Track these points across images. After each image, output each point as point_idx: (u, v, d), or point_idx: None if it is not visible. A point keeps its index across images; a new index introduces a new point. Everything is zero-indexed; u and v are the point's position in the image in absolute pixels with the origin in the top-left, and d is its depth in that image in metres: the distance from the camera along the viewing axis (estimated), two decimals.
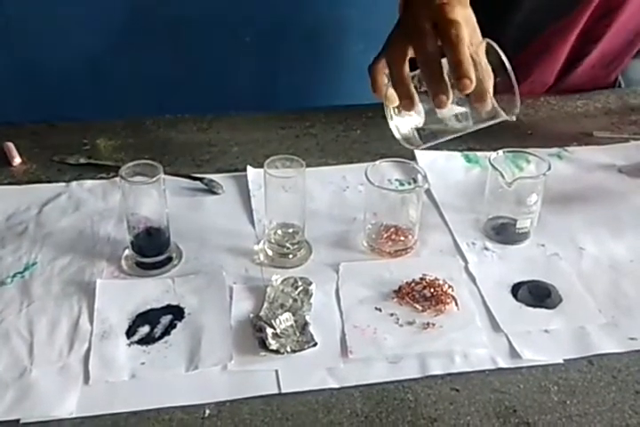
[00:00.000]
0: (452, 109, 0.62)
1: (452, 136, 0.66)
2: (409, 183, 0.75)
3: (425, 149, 0.67)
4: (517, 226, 0.72)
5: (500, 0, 0.92)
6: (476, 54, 0.61)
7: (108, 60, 1.55)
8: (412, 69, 0.64)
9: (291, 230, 0.71)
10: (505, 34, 0.93)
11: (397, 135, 0.66)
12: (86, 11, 1.49)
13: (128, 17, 1.52)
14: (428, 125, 0.65)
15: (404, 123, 0.65)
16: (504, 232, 0.74)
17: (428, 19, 0.61)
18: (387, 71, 0.65)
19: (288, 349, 0.60)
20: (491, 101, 0.61)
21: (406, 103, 0.61)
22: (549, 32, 0.95)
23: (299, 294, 0.66)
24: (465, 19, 0.62)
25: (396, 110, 0.65)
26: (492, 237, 0.74)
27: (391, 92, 0.63)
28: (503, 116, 0.63)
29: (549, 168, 0.71)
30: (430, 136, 0.66)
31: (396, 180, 0.78)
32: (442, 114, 0.63)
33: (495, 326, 0.64)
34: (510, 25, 0.94)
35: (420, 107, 0.63)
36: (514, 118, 0.64)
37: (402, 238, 0.72)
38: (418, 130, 0.65)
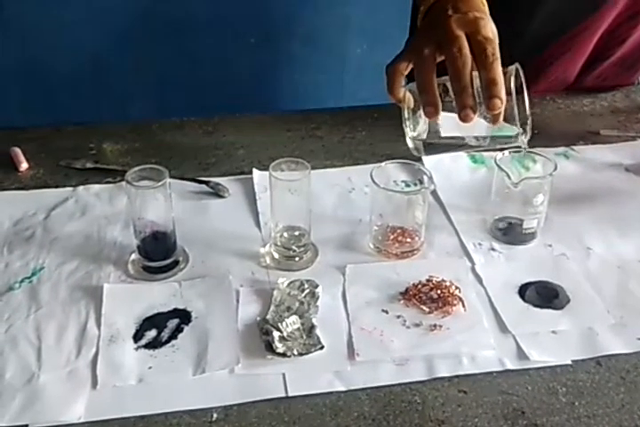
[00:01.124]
0: (472, 126, 0.61)
1: (459, 151, 0.66)
2: (415, 184, 0.75)
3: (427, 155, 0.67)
4: (524, 226, 0.72)
5: None
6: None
7: (112, 61, 1.55)
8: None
9: (297, 233, 0.71)
10: (528, 32, 0.93)
11: (410, 141, 0.65)
12: (91, 14, 1.50)
13: (133, 19, 1.52)
14: (442, 137, 0.64)
15: (418, 128, 0.65)
16: (511, 233, 0.74)
17: (463, 31, 0.61)
18: (405, 73, 0.64)
19: (295, 352, 0.60)
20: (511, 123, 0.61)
21: (431, 110, 0.60)
22: (573, 32, 0.94)
23: (305, 296, 0.66)
24: (495, 35, 0.62)
25: (411, 113, 0.64)
26: (498, 237, 0.74)
27: (409, 95, 0.63)
28: (519, 143, 0.63)
29: (556, 168, 0.71)
30: (439, 148, 0.65)
31: (402, 181, 0.78)
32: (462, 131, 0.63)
33: (502, 328, 0.64)
34: (534, 22, 0.93)
35: (441, 115, 0.62)
36: (525, 146, 0.64)
37: (408, 240, 0.72)
38: (428, 139, 0.65)
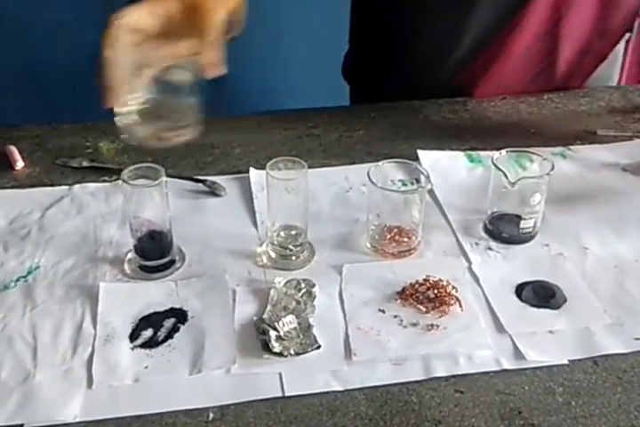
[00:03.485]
0: None
1: None
2: (412, 184, 0.75)
3: None
4: (521, 226, 0.72)
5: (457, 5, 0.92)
6: None
7: None
8: None
9: (293, 232, 0.71)
10: (463, 38, 0.94)
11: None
12: (89, 11, 1.49)
13: None
14: None
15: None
16: (508, 232, 0.73)
17: None
18: None
19: (292, 351, 0.60)
20: None
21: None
22: (505, 33, 0.94)
23: (302, 296, 0.66)
24: None
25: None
26: (495, 237, 0.74)
27: None
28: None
29: (553, 168, 0.71)
30: None
31: (399, 180, 0.78)
32: None
33: (499, 327, 0.63)
34: (468, 27, 0.93)
35: None
36: None
37: (405, 239, 0.72)
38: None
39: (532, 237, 0.74)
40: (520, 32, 0.94)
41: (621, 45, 1.03)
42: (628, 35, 1.03)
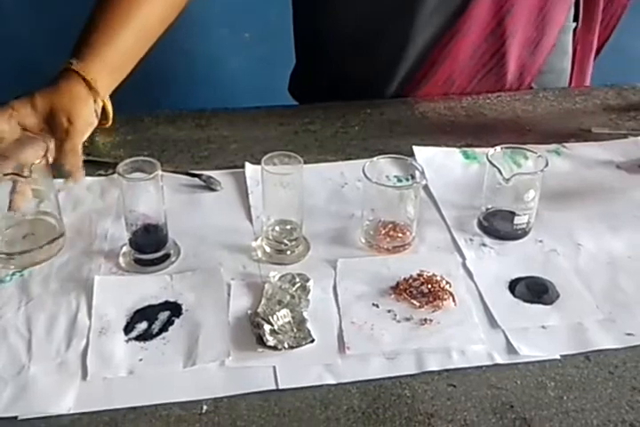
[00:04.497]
0: None
1: None
2: (407, 180, 0.75)
3: None
4: (515, 222, 0.72)
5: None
6: None
7: None
8: None
9: (288, 227, 0.71)
10: (411, 39, 0.94)
11: None
12: (84, 7, 1.49)
13: None
14: None
15: None
16: (502, 229, 0.74)
17: None
18: None
19: (285, 345, 0.60)
20: None
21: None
22: (451, 32, 0.94)
23: (296, 290, 0.66)
24: None
25: None
26: (489, 233, 0.74)
27: None
28: None
29: (547, 164, 0.71)
30: None
31: (395, 176, 0.78)
32: None
33: (492, 322, 0.64)
34: (416, 28, 0.93)
35: None
36: None
37: (400, 235, 0.72)
38: None
39: (525, 234, 0.74)
40: (464, 36, 0.94)
41: (569, 36, 1.04)
42: (574, 24, 1.04)
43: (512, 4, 0.93)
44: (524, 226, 0.73)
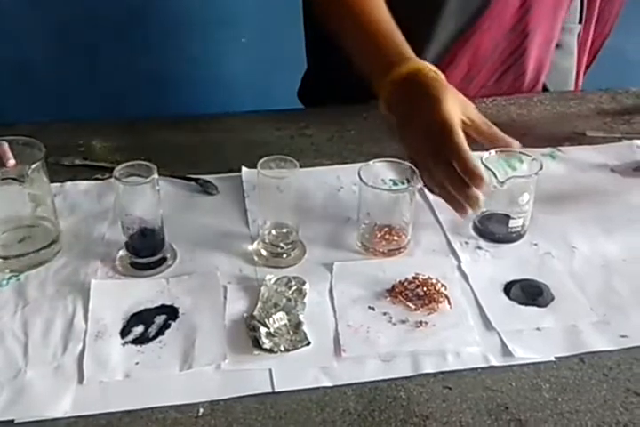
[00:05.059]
0: None
1: None
2: (402, 183, 0.76)
3: None
4: (510, 225, 0.73)
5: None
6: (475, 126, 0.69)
7: (104, 59, 1.55)
8: None
9: (285, 230, 0.71)
10: (433, 35, 0.95)
11: None
12: (84, 11, 1.50)
13: (124, 16, 1.52)
14: None
15: None
16: (497, 232, 0.74)
17: (424, 132, 0.68)
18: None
19: (282, 348, 0.60)
20: None
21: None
22: (471, 30, 0.95)
23: (292, 293, 0.66)
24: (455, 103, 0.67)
25: None
26: (484, 235, 0.75)
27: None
28: None
29: (541, 168, 0.71)
30: None
31: (390, 180, 0.78)
32: None
33: (487, 325, 0.64)
34: (437, 25, 0.94)
35: None
36: None
37: (395, 238, 0.73)
38: None
39: (520, 237, 0.74)
40: (485, 31, 0.95)
41: (575, 37, 1.05)
42: (579, 26, 1.04)
43: (532, 2, 0.94)
44: (518, 229, 0.74)
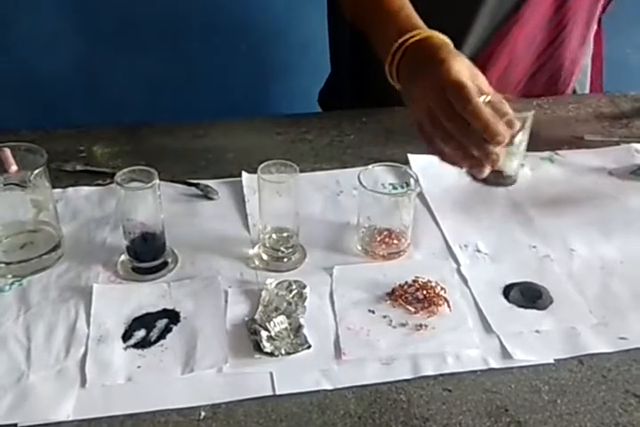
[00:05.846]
0: None
1: None
2: (402, 187, 0.76)
3: None
4: (504, 168, 0.70)
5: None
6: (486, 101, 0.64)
7: (104, 66, 1.56)
8: None
9: (285, 234, 0.72)
10: (470, 31, 0.94)
11: None
12: (83, 18, 1.51)
13: (124, 24, 1.53)
14: None
15: None
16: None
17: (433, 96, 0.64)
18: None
19: (282, 351, 0.61)
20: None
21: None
22: (508, 25, 0.95)
23: (293, 297, 0.66)
24: (465, 68, 0.65)
25: None
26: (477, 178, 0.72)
27: None
28: None
29: (533, 109, 0.70)
30: None
31: (390, 184, 0.79)
32: None
33: (487, 327, 0.65)
34: (476, 21, 0.94)
35: None
36: None
37: (395, 242, 0.73)
38: None
39: (513, 182, 0.72)
40: (523, 24, 0.95)
41: (592, 33, 1.05)
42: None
43: None
44: (512, 173, 0.70)
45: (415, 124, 0.68)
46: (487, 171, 0.64)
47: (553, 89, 1.04)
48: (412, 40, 0.71)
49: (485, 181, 0.72)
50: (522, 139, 0.70)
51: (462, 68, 0.65)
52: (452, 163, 0.67)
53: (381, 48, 0.74)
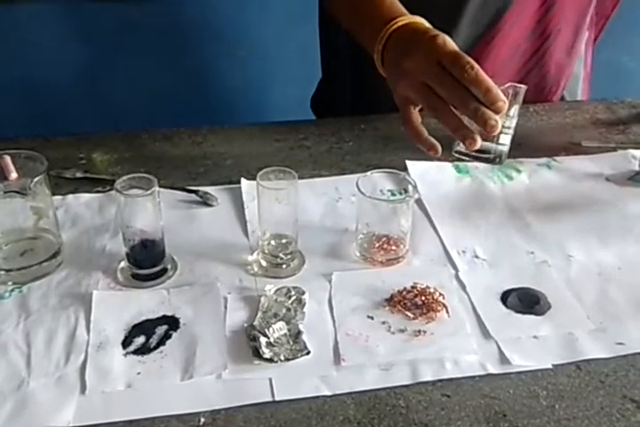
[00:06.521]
0: None
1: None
2: (400, 193, 0.76)
3: None
4: (500, 141, 0.69)
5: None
6: None
7: (103, 74, 1.57)
8: None
9: (284, 241, 0.72)
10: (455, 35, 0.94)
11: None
12: (82, 25, 1.51)
13: (123, 31, 1.54)
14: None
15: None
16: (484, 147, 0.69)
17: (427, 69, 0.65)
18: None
19: (282, 357, 0.61)
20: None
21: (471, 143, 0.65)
22: (495, 29, 0.95)
23: (292, 303, 0.67)
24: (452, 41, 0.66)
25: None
26: (469, 155, 0.71)
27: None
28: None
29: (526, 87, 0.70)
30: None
31: (388, 190, 0.79)
32: None
33: (485, 333, 0.65)
34: (460, 25, 0.94)
35: None
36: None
37: (393, 248, 0.73)
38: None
39: (501, 162, 0.71)
40: (506, 34, 0.95)
41: (583, 43, 1.06)
42: (587, 32, 1.05)
43: (553, 1, 0.95)
44: (504, 148, 0.70)
45: (402, 105, 0.70)
46: (479, 142, 0.64)
47: (540, 97, 1.05)
48: (399, 24, 0.72)
49: (474, 158, 0.71)
50: (515, 114, 0.70)
51: (451, 41, 0.67)
52: (431, 146, 0.68)
53: (367, 38, 0.75)
